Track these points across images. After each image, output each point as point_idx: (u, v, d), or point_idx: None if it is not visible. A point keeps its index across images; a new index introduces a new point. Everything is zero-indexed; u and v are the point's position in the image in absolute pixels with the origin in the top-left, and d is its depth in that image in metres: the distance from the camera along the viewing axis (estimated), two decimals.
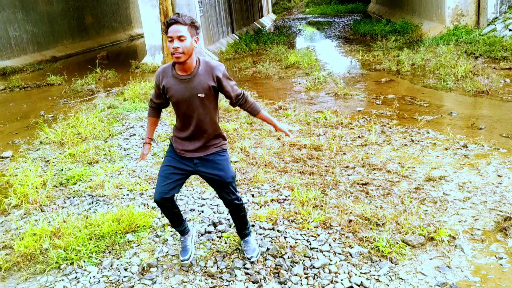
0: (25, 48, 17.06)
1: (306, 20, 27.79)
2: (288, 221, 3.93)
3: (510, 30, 11.51)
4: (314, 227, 3.79)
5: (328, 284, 3.10)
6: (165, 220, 4.06)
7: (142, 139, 6.55)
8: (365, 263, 3.32)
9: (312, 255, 3.42)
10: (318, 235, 3.67)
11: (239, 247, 3.54)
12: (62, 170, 5.50)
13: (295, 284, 3.13)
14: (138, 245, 3.72)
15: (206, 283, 3.22)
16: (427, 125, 6.31)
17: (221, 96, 3.08)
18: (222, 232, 3.82)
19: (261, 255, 3.45)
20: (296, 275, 3.21)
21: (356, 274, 3.19)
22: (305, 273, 3.23)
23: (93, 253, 3.61)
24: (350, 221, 3.84)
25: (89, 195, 4.77)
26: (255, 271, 3.28)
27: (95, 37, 21.81)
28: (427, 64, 10.26)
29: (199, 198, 4.52)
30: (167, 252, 3.61)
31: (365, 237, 3.59)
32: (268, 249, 3.51)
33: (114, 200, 4.59)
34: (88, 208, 4.47)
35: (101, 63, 13.97)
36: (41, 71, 15.21)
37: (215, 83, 2.94)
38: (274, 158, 5.36)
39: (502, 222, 3.67)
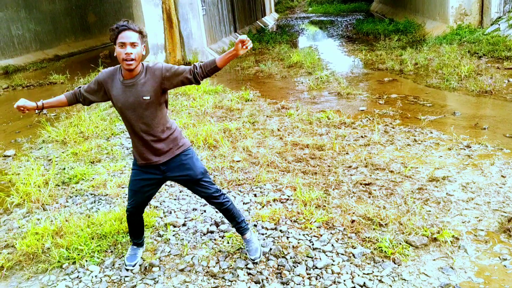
0: (28, 47, 17.08)
1: (308, 19, 27.75)
2: (291, 221, 3.92)
3: None
4: (317, 227, 3.78)
5: (331, 285, 3.09)
6: (167, 220, 4.06)
7: None
8: (368, 263, 3.30)
9: (315, 255, 3.41)
10: (321, 235, 3.66)
11: (242, 247, 3.53)
12: (64, 169, 5.50)
13: (297, 284, 3.12)
14: None
15: (208, 283, 3.21)
16: (430, 125, 6.29)
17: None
18: (224, 232, 3.82)
19: (263, 255, 3.44)
20: (299, 275, 3.20)
21: (359, 275, 3.17)
22: (307, 274, 3.22)
23: (95, 252, 3.60)
24: (353, 221, 3.82)
25: (91, 194, 4.77)
26: (257, 271, 3.27)
27: (98, 36, 21.82)
28: (430, 63, 10.23)
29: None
30: (169, 251, 3.60)
31: (368, 238, 3.57)
32: (270, 249, 3.50)
33: (116, 199, 4.58)
34: (90, 207, 4.47)
35: (104, 62, 13.96)
36: (43, 69, 15.23)
37: (161, 84, 2.90)
38: (276, 157, 5.35)
39: (506, 223, 3.65)
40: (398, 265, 3.26)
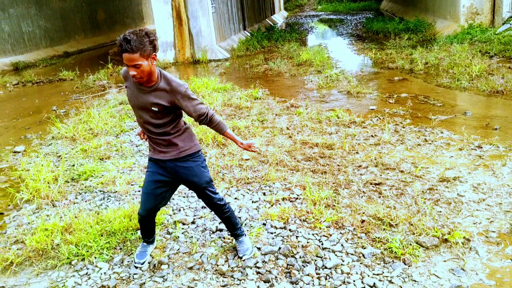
0: (38, 43, 17.18)
1: (318, 18, 27.65)
2: (300, 220, 3.90)
3: None
4: (326, 227, 3.75)
5: (340, 285, 3.07)
6: (176, 217, 4.05)
7: None
8: (378, 264, 3.28)
9: (324, 255, 3.39)
10: (330, 235, 3.64)
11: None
12: (73, 165, 5.51)
13: (306, 284, 3.10)
14: None
15: (217, 281, 3.20)
16: (441, 125, 6.23)
17: None
18: None
19: (272, 254, 3.42)
20: (308, 275, 3.18)
21: (368, 275, 3.15)
22: (317, 273, 3.20)
23: (104, 249, 3.61)
24: (362, 221, 3.79)
25: (100, 191, 4.78)
26: (266, 270, 3.26)
27: (107, 33, 21.89)
28: (440, 63, 10.14)
29: None
30: (178, 249, 3.60)
31: (378, 238, 3.54)
32: (279, 248, 3.48)
33: (126, 196, 4.59)
34: (100, 204, 4.48)
35: (113, 58, 14.00)
36: (53, 66, 15.31)
37: (172, 104, 2.91)
38: (285, 156, 5.33)
39: None
40: (409, 266, 3.23)
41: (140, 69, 2.75)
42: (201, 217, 4.07)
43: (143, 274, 3.32)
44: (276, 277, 3.19)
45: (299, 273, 3.20)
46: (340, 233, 3.68)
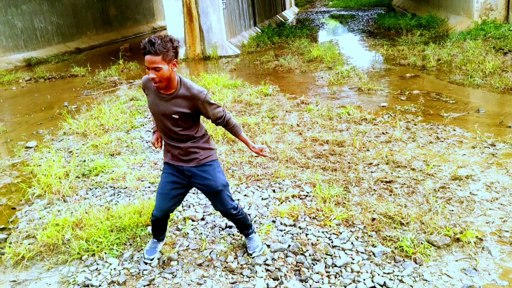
0: (50, 39, 17.30)
1: (329, 14, 27.50)
2: (310, 217, 3.88)
3: None
4: (336, 225, 3.73)
5: (350, 284, 3.05)
6: (186, 214, 4.06)
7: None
8: (389, 263, 3.25)
9: (334, 253, 3.37)
10: (340, 233, 3.61)
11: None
12: (84, 161, 5.55)
13: (316, 282, 3.08)
14: None
15: (226, 278, 3.19)
16: (453, 122, 6.16)
17: None
18: None
19: (281, 251, 3.41)
20: (318, 273, 3.16)
21: (379, 274, 3.12)
22: (326, 272, 3.18)
23: (114, 245, 3.62)
24: (373, 219, 3.76)
25: (111, 187, 4.80)
26: (275, 268, 3.25)
27: (118, 29, 21.99)
28: (453, 59, 10.02)
29: None
30: (188, 246, 3.60)
31: (389, 236, 3.51)
32: (289, 245, 3.47)
33: (136, 192, 4.60)
34: (110, 200, 4.50)
35: (124, 55, 14.06)
36: (65, 62, 15.42)
37: (192, 110, 2.95)
38: (295, 153, 5.31)
39: None
40: (420, 265, 3.19)
41: (160, 73, 2.79)
42: (211, 213, 4.07)
43: (152, 270, 3.33)
44: (285, 274, 3.18)
45: (308, 271, 3.18)
46: (350, 231, 3.65)
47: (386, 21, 17.73)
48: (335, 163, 5.00)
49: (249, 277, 3.18)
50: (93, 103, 8.49)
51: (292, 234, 3.64)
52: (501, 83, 7.74)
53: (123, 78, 11.24)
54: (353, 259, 3.29)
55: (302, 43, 13.87)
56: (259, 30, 17.99)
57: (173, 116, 2.94)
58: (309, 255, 3.35)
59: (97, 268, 3.40)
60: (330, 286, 3.04)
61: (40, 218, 4.22)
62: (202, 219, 4.00)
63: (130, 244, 3.67)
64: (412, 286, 3.00)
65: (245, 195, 4.40)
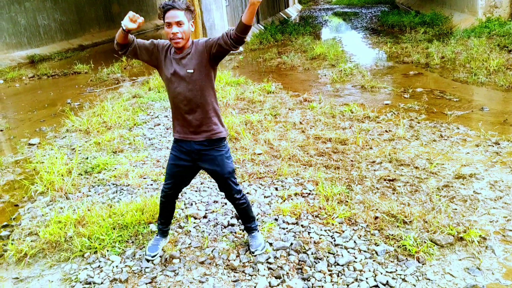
0: (53, 37, 17.32)
1: (332, 11, 27.42)
2: (312, 216, 3.87)
3: None
4: (339, 223, 3.71)
5: (353, 282, 3.03)
6: (188, 211, 4.05)
7: (167, 129, 6.57)
8: (391, 261, 3.23)
9: (337, 251, 3.35)
10: (343, 232, 3.60)
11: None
12: (87, 158, 5.55)
13: (318, 280, 3.07)
14: None
15: (228, 276, 3.18)
16: (457, 120, 6.13)
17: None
18: None
19: (284, 250, 3.40)
20: (320, 271, 3.15)
21: (381, 273, 3.10)
22: (329, 270, 3.17)
23: (116, 242, 3.62)
24: (376, 218, 3.74)
25: (113, 184, 4.79)
26: (278, 266, 3.23)
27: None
28: (457, 57, 9.97)
29: None
30: (190, 243, 3.59)
31: (392, 235, 3.49)
32: (291, 244, 3.46)
33: (138, 189, 4.60)
34: (112, 197, 4.49)
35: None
36: (68, 59, 15.43)
37: (205, 52, 2.95)
38: (298, 151, 5.29)
39: None
40: (423, 264, 3.17)
41: (182, 29, 2.87)
42: (213, 211, 4.07)
43: (154, 268, 3.33)
44: (287, 273, 3.17)
45: (311, 270, 3.17)
46: (353, 229, 3.64)
47: (390, 19, 17.68)
48: (338, 161, 4.99)
49: (251, 275, 3.17)
50: (95, 100, 8.49)
51: (295, 232, 3.63)
52: (505, 81, 7.70)
53: (126, 75, 11.23)
54: (355, 258, 3.28)
55: (305, 41, 13.83)
56: (262, 27, 17.95)
57: (188, 71, 2.95)
58: (312, 254, 3.34)
59: (99, 266, 3.39)
60: (333, 285, 3.03)
61: (42, 215, 4.22)
62: (204, 217, 3.99)
63: (132, 242, 3.66)
64: (415, 285, 2.98)
65: (247, 193, 4.39)
